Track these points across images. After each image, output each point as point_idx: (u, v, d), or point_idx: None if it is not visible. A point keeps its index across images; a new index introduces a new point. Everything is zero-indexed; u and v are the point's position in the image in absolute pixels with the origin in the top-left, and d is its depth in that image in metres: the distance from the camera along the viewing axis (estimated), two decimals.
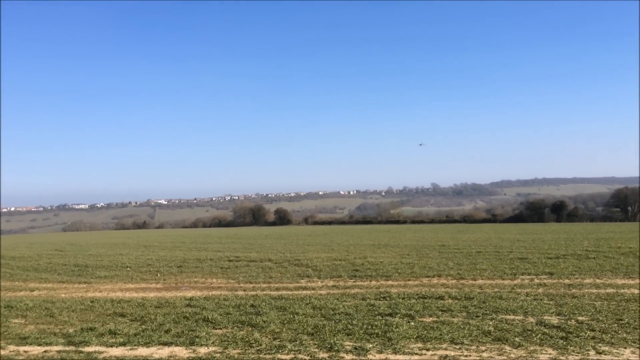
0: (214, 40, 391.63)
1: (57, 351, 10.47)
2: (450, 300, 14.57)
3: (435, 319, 12.27)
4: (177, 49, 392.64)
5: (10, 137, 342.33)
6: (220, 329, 11.92)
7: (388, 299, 15.10)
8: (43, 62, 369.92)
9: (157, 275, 23.14)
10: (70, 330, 12.19)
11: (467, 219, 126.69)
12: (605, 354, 9.21)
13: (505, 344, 9.99)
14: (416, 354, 9.52)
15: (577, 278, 18.65)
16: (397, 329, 11.14)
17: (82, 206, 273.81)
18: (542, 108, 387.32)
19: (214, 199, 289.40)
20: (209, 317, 12.94)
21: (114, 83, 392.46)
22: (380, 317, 12.48)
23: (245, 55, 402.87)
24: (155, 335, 11.37)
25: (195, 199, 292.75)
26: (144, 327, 12.27)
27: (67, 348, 10.66)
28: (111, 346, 10.69)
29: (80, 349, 10.58)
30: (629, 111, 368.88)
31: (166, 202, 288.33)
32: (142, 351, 10.30)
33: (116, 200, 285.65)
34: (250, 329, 11.76)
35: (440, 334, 10.68)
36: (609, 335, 10.37)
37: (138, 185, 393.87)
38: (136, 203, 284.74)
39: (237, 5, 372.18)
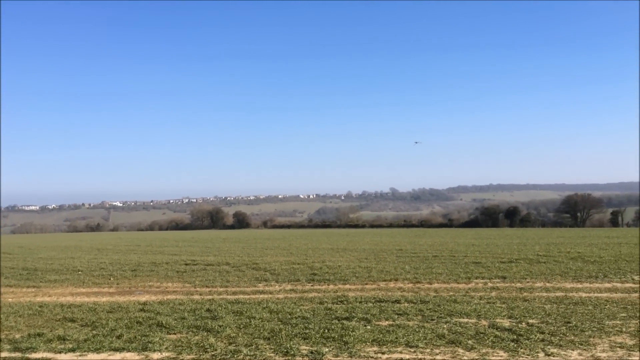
0: (180, 40, 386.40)
1: (2, 358, 10.06)
2: (406, 304, 14.74)
3: (391, 322, 12.38)
4: (138, 48, 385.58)
5: None
6: (175, 334, 11.70)
7: (345, 302, 15.15)
8: None
9: (110, 279, 22.57)
10: (17, 336, 11.73)
11: (424, 224, 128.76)
12: (554, 356, 9.48)
13: (458, 346, 10.16)
14: (372, 357, 9.57)
15: (528, 282, 19.17)
16: (354, 333, 11.18)
17: (33, 207, 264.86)
18: (497, 115, 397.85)
19: (171, 201, 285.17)
20: (163, 322, 12.68)
21: (64, 82, 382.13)
22: (337, 321, 12.50)
23: (209, 56, 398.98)
24: (106, 341, 11.06)
25: (151, 201, 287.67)
26: (94, 332, 11.92)
27: (13, 355, 10.25)
28: (60, 352, 10.34)
29: (27, 355, 10.19)
30: (580, 119, 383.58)
31: (121, 204, 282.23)
32: (93, 357, 10.01)
33: (68, 201, 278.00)
34: (205, 333, 11.59)
35: (396, 338, 10.77)
36: (558, 337, 10.68)
37: (92, 186, 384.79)
38: (90, 205, 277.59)
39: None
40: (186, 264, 28.14)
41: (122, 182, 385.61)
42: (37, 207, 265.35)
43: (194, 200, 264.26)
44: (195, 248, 43.96)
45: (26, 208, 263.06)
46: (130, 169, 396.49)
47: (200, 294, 17.73)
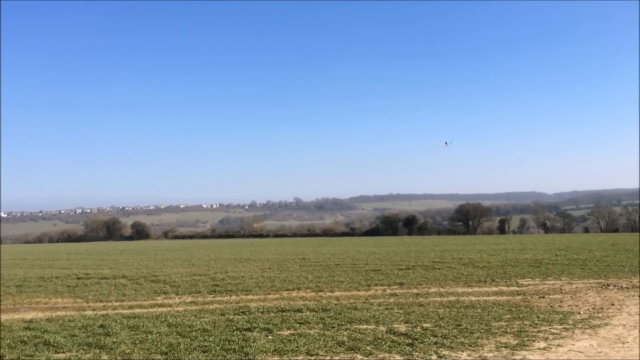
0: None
1: None
2: (308, 313, 14.85)
3: (292, 331, 12.42)
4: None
5: None
6: (64, 352, 10.97)
7: (247, 313, 14.99)
8: None
9: None
10: None
11: (327, 233, 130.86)
12: (445, 358, 9.95)
13: (357, 352, 10.39)
14: None
15: (424, 287, 20.03)
16: (255, 344, 11.09)
17: None
18: (393, 128, 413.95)
19: (62, 211, 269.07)
20: (51, 341, 11.85)
21: None
22: (238, 332, 12.34)
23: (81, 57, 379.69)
24: None
25: (40, 212, 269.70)
26: None
27: None
28: None
29: None
30: (470, 132, 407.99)
31: (5, 215, 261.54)
32: None
33: None
34: (97, 351, 10.97)
35: (297, 346, 10.82)
36: (449, 340, 11.24)
37: None
38: None
39: None
40: (78, 278, 26.58)
41: (6, 190, 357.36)
42: None
43: (89, 211, 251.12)
44: (89, 261, 41.65)
45: None
46: (15, 176, 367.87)
47: (94, 309, 16.80)
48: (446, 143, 35.39)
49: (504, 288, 19.56)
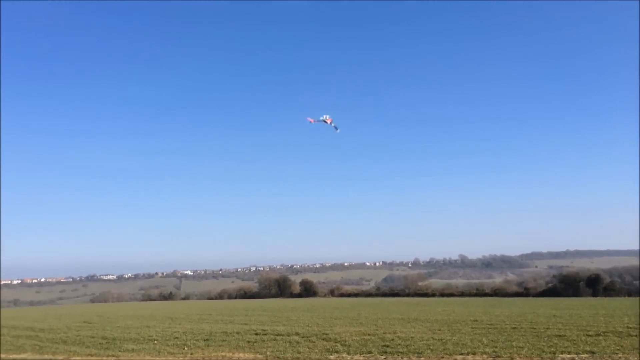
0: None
1: None
2: None
3: None
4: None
5: (36, 207, 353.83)
6: None
7: None
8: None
9: (184, 348, 22.85)
10: None
11: (498, 293, 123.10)
12: None
13: None
14: None
15: (620, 357, 17.77)
16: None
17: (110, 277, 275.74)
18: (570, 178, 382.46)
19: (239, 269, 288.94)
20: None
21: (134, 152, 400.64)
22: None
23: (259, 121, 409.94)
24: None
25: (220, 270, 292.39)
26: None
27: None
28: None
29: None
30: None
31: (192, 273, 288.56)
32: None
33: (143, 270, 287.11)
34: None
35: None
36: None
37: (164, 255, 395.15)
38: (162, 274, 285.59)
39: None
40: (256, 334, 28.11)
41: (192, 251, 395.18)
42: (114, 277, 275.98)
43: (261, 269, 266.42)
44: (265, 317, 43.92)
45: (104, 277, 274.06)
46: (199, 238, 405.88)
47: None
48: (336, 128, 32.53)
49: None
